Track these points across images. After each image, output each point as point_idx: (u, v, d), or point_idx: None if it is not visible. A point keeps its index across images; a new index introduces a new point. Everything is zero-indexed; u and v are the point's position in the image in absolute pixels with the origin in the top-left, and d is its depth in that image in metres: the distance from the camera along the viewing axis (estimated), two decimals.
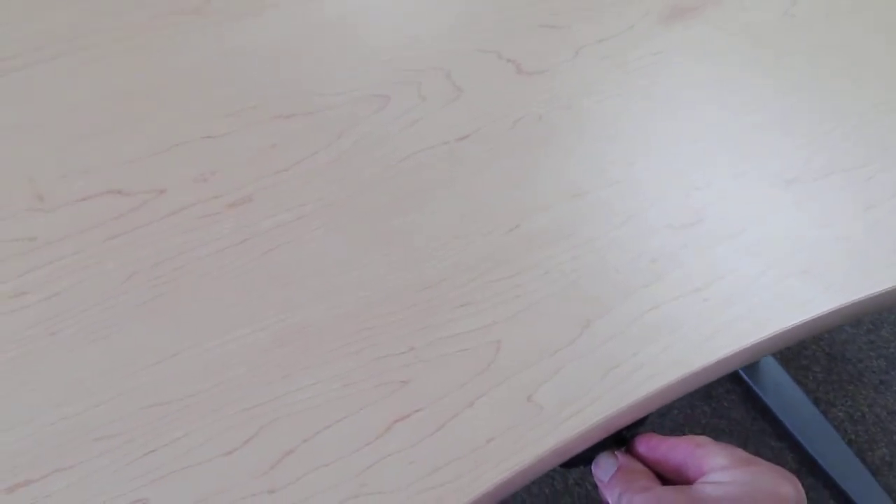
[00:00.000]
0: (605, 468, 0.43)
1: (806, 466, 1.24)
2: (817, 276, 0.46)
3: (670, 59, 0.55)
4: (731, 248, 0.47)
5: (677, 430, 1.27)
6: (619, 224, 0.47)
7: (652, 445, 0.44)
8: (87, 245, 0.45)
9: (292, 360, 0.42)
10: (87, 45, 0.52)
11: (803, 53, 0.57)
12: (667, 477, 0.43)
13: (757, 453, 0.40)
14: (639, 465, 0.44)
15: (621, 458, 0.44)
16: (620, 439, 0.44)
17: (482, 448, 0.40)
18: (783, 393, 1.30)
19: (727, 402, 1.31)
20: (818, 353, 1.37)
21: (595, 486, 0.45)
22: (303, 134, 0.49)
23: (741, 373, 1.31)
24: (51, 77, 0.51)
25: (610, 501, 0.42)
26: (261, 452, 0.39)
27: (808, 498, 0.39)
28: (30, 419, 0.40)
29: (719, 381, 1.28)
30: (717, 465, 0.41)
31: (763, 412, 1.30)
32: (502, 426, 0.40)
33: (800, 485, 0.40)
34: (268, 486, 0.38)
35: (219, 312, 0.43)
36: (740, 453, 0.41)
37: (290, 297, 0.44)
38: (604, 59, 0.54)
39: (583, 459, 0.43)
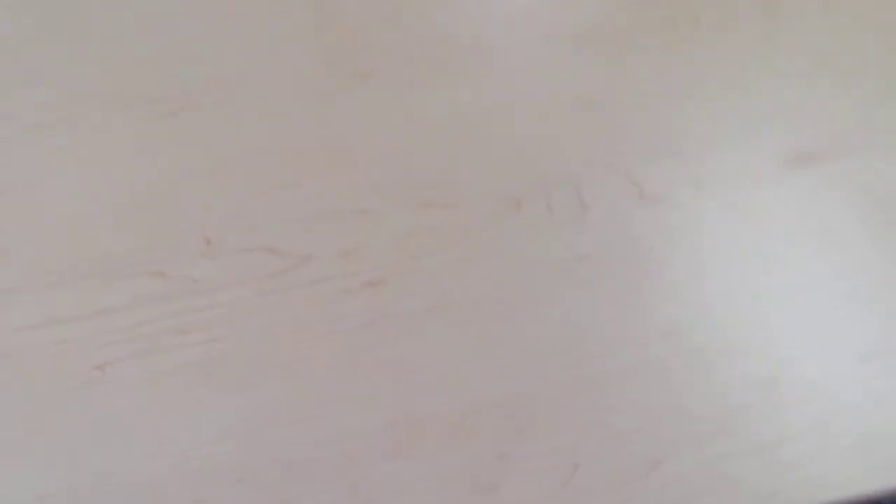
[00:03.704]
0: None
1: None
2: (875, 457, 0.51)
3: (786, 207, 0.58)
4: (798, 414, 0.52)
5: None
6: (705, 371, 0.52)
7: None
8: (241, 297, 0.52)
9: (397, 444, 0.48)
10: (253, 95, 0.58)
11: None
12: None
13: None
14: None
15: None
16: None
17: None
18: None
19: None
20: None
21: None
22: (437, 225, 0.55)
23: None
24: (222, 123, 0.57)
25: None
26: None
27: None
28: (177, 451, 0.47)
29: None
30: None
31: None
32: None
33: None
34: None
35: (341, 387, 0.50)
36: None
37: (409, 385, 0.50)
38: (722, 197, 0.58)
39: None
